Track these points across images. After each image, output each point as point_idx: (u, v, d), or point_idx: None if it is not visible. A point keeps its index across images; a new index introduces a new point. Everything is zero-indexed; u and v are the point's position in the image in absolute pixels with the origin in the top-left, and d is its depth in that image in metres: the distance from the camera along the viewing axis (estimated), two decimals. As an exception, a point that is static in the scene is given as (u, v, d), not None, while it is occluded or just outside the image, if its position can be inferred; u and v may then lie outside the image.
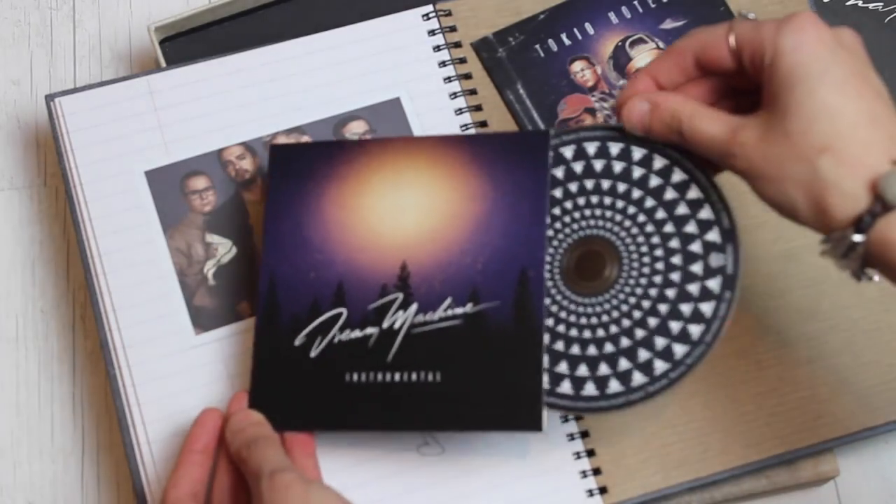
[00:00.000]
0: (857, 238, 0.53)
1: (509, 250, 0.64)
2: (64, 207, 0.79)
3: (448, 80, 0.76)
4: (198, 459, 0.63)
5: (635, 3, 0.79)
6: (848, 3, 0.84)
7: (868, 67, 0.57)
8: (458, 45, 0.77)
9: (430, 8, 0.77)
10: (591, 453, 0.68)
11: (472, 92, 0.76)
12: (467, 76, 0.76)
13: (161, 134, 0.73)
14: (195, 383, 0.69)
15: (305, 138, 0.74)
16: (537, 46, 0.77)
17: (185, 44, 0.80)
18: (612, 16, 0.78)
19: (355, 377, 0.64)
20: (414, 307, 0.65)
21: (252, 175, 0.73)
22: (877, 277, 0.56)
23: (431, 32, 0.77)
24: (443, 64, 0.76)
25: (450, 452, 0.68)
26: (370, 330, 0.65)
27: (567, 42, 0.77)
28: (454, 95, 0.75)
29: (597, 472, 0.68)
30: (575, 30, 0.78)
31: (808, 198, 0.55)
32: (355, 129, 0.74)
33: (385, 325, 0.65)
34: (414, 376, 0.64)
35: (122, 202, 0.72)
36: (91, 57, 0.83)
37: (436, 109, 0.75)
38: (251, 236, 0.72)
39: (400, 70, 0.75)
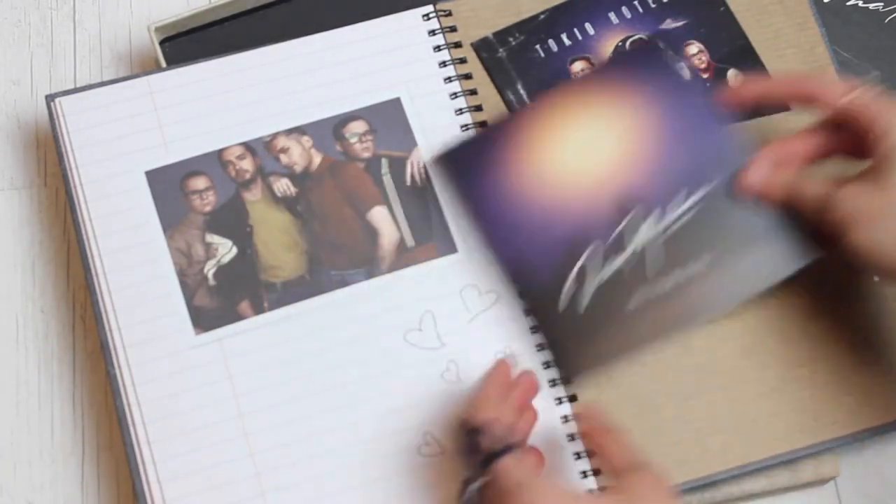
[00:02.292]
0: None
1: (703, 136, 0.70)
2: (64, 207, 0.79)
3: (448, 80, 0.76)
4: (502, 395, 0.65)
5: (635, 2, 0.79)
6: (848, 4, 0.84)
7: None
8: (458, 45, 0.77)
9: (430, 8, 0.77)
10: (591, 453, 0.68)
11: (473, 92, 0.76)
12: (468, 76, 0.76)
13: (161, 134, 0.73)
14: (195, 383, 0.69)
15: (305, 138, 0.74)
16: (537, 47, 0.77)
17: (186, 44, 0.80)
18: (612, 16, 0.78)
19: (633, 303, 0.68)
20: (649, 221, 0.69)
21: (252, 175, 0.73)
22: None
23: (432, 32, 0.77)
24: (443, 64, 0.76)
25: (450, 452, 0.68)
26: (622, 258, 0.69)
27: (567, 42, 0.77)
28: (454, 95, 0.75)
29: (597, 472, 0.68)
30: (575, 30, 0.78)
31: None
32: (355, 129, 0.74)
33: (633, 248, 0.69)
34: (682, 274, 0.68)
35: (123, 202, 0.72)
36: (91, 57, 0.83)
37: (436, 109, 0.75)
38: (251, 236, 0.72)
39: (400, 70, 0.75)
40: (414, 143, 0.74)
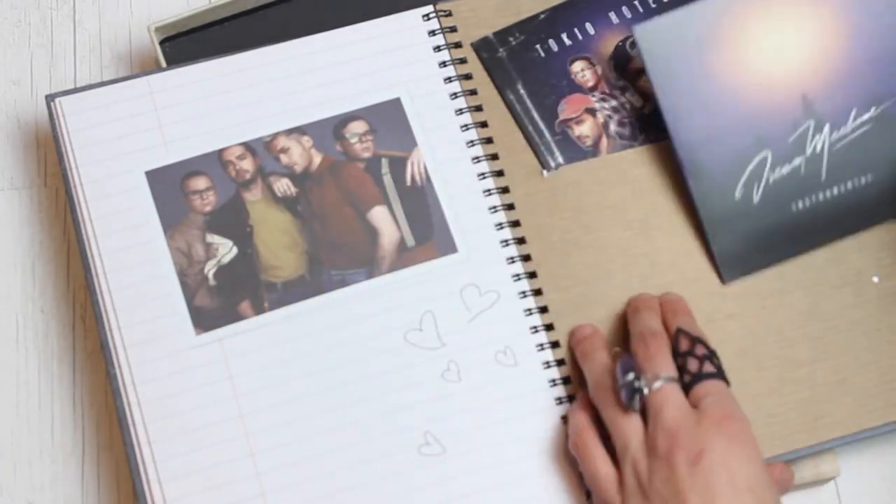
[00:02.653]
0: None
1: (889, 50, 0.71)
2: (64, 207, 0.79)
3: (448, 80, 0.76)
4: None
5: (636, 2, 0.79)
6: (848, 4, 0.84)
7: None
8: (458, 45, 0.76)
9: (430, 8, 0.77)
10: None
11: (473, 92, 0.75)
12: (468, 76, 0.76)
13: (161, 134, 0.73)
14: (196, 383, 0.69)
15: (306, 138, 0.74)
16: (538, 46, 0.77)
17: (186, 44, 0.80)
18: (612, 16, 0.78)
19: (800, 204, 0.72)
20: (827, 127, 0.71)
21: (252, 175, 0.73)
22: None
23: (432, 33, 0.77)
24: (443, 64, 0.76)
25: (451, 452, 0.68)
26: (797, 161, 0.71)
27: (567, 42, 0.77)
28: (454, 96, 0.75)
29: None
30: (575, 30, 0.78)
31: None
32: (355, 129, 0.74)
33: (808, 151, 0.71)
34: (849, 185, 0.72)
35: (123, 202, 0.72)
36: (91, 57, 0.83)
37: (436, 109, 0.75)
38: (252, 236, 0.72)
39: (400, 70, 0.75)
40: (414, 143, 0.74)
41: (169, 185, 0.72)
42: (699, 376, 0.65)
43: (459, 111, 0.75)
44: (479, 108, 0.75)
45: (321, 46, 0.76)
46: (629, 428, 0.63)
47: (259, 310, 0.70)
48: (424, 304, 0.71)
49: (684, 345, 0.66)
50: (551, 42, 0.77)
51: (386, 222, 0.73)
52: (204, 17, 0.80)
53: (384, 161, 0.74)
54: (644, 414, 0.64)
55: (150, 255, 0.71)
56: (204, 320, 0.70)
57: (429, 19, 0.77)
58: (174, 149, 0.73)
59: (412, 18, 0.77)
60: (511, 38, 0.77)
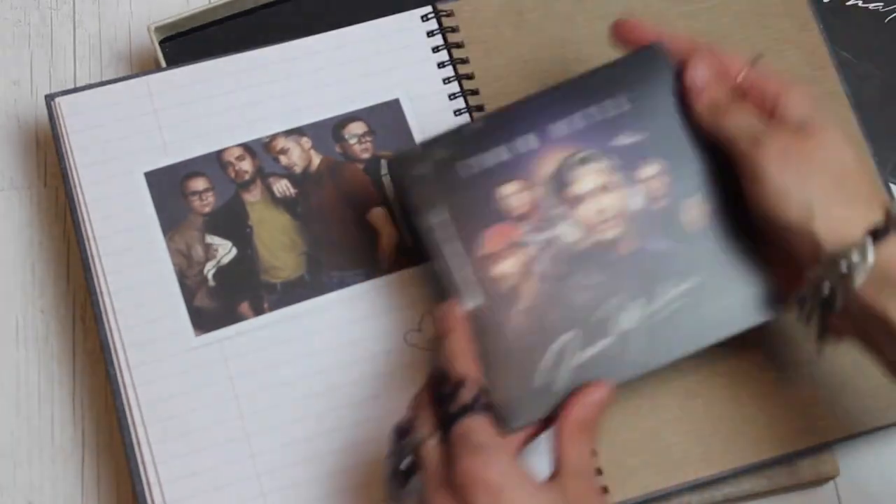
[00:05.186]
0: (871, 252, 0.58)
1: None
2: (64, 208, 0.79)
3: (447, 80, 0.76)
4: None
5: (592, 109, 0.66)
6: (848, 3, 0.84)
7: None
8: (459, 45, 0.76)
9: (428, 9, 0.77)
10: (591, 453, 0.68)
11: (474, 92, 0.75)
12: (469, 77, 0.76)
13: (161, 135, 0.73)
14: (195, 384, 0.69)
15: (305, 140, 0.74)
16: (468, 161, 0.65)
17: (186, 44, 0.80)
18: (562, 125, 0.65)
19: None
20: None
21: (252, 176, 0.73)
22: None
23: (430, 34, 0.77)
24: (441, 65, 0.76)
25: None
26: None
27: (505, 156, 0.65)
28: (453, 96, 0.75)
29: (597, 471, 0.68)
30: (518, 140, 0.65)
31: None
32: (354, 131, 0.74)
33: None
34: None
35: (123, 203, 0.72)
36: (91, 57, 0.83)
37: (436, 111, 0.75)
38: (251, 237, 0.72)
39: (399, 71, 0.75)
40: (413, 145, 0.74)
41: (168, 186, 0.72)
42: (443, 426, 0.59)
43: (458, 112, 0.75)
44: (479, 109, 0.75)
45: (320, 48, 0.76)
46: None
47: (259, 311, 0.70)
48: (424, 304, 0.71)
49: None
50: (484, 157, 0.65)
51: (385, 223, 0.73)
52: (204, 17, 0.80)
53: (383, 162, 0.74)
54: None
55: (150, 257, 0.71)
56: (204, 321, 0.70)
57: (427, 20, 0.77)
58: (173, 150, 0.73)
59: (411, 19, 0.77)
60: (437, 152, 0.65)
